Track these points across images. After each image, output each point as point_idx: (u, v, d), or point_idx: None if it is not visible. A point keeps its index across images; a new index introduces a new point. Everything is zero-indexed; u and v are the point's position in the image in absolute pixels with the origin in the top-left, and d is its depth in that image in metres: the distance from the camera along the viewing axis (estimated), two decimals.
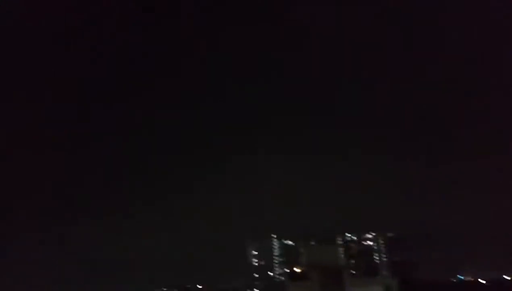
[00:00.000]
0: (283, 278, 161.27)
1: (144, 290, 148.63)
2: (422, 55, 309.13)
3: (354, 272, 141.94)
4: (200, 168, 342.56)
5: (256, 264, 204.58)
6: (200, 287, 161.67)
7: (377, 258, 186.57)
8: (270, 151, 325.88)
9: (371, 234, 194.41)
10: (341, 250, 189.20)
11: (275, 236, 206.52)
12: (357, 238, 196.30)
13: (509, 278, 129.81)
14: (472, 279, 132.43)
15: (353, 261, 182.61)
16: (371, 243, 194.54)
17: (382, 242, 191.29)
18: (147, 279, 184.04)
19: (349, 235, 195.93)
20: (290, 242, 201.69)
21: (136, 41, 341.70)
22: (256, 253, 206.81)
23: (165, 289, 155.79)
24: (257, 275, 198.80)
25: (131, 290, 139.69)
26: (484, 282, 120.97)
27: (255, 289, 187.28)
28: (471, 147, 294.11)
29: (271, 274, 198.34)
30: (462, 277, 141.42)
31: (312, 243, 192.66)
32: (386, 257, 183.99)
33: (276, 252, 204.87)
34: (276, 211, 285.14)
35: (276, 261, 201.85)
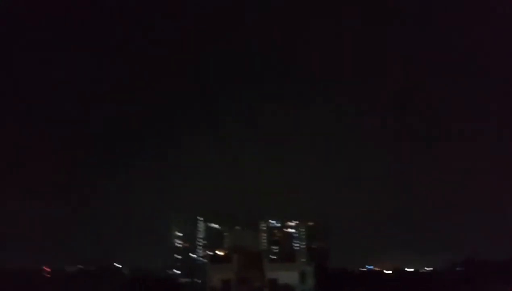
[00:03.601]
0: (205, 260, 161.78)
1: (58, 265, 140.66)
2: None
3: (274, 257, 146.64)
4: (129, 149, 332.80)
5: (180, 245, 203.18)
6: (120, 266, 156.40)
7: (297, 245, 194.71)
8: (198, 132, 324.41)
9: (293, 222, 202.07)
10: (264, 235, 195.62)
11: (201, 219, 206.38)
12: (280, 224, 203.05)
13: (411, 270, 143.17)
14: (379, 270, 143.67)
15: (274, 247, 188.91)
16: (292, 230, 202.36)
17: (302, 230, 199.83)
18: (63, 254, 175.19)
19: (273, 221, 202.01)
20: (215, 225, 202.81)
21: None
22: (180, 234, 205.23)
23: (80, 266, 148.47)
24: (179, 257, 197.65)
25: (44, 263, 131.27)
26: (389, 272, 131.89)
27: (175, 271, 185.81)
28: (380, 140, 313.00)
29: (194, 256, 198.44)
30: (372, 267, 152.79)
31: (237, 227, 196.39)
32: (305, 244, 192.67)
33: (200, 234, 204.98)
34: (203, 194, 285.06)
35: (200, 244, 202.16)
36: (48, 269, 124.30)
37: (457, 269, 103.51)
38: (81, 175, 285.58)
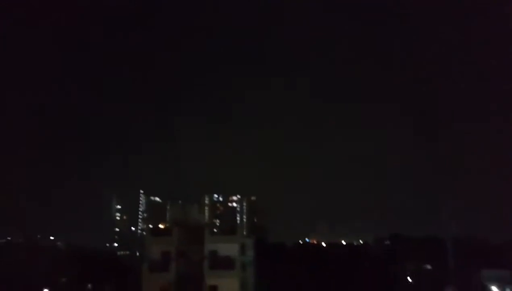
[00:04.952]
0: (144, 233, 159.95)
1: None
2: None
3: (215, 230, 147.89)
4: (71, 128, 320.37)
5: (119, 218, 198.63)
6: (52, 238, 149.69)
7: (239, 219, 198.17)
8: (144, 113, 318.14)
9: (236, 197, 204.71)
10: (207, 209, 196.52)
11: (143, 192, 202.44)
12: (223, 199, 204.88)
13: (345, 243, 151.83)
14: (316, 242, 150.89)
15: (217, 221, 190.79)
16: (235, 205, 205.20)
17: (245, 204, 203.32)
18: None
19: (216, 196, 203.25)
20: (157, 199, 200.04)
21: None
22: (120, 207, 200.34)
23: (9, 238, 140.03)
24: (118, 230, 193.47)
25: None
26: (324, 245, 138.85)
27: (114, 243, 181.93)
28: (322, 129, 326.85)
29: (133, 229, 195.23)
30: (308, 240, 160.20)
31: (179, 201, 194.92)
32: (246, 218, 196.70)
33: (142, 207, 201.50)
34: (147, 169, 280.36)
35: (141, 217, 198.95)
36: None
37: (385, 243, 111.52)
38: (14, 149, 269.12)
